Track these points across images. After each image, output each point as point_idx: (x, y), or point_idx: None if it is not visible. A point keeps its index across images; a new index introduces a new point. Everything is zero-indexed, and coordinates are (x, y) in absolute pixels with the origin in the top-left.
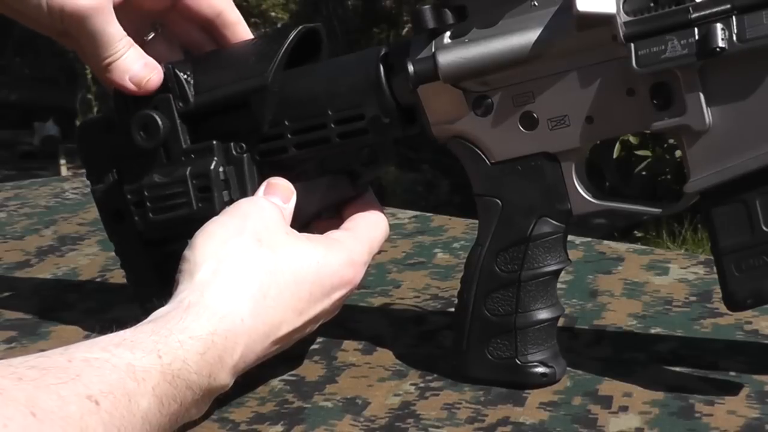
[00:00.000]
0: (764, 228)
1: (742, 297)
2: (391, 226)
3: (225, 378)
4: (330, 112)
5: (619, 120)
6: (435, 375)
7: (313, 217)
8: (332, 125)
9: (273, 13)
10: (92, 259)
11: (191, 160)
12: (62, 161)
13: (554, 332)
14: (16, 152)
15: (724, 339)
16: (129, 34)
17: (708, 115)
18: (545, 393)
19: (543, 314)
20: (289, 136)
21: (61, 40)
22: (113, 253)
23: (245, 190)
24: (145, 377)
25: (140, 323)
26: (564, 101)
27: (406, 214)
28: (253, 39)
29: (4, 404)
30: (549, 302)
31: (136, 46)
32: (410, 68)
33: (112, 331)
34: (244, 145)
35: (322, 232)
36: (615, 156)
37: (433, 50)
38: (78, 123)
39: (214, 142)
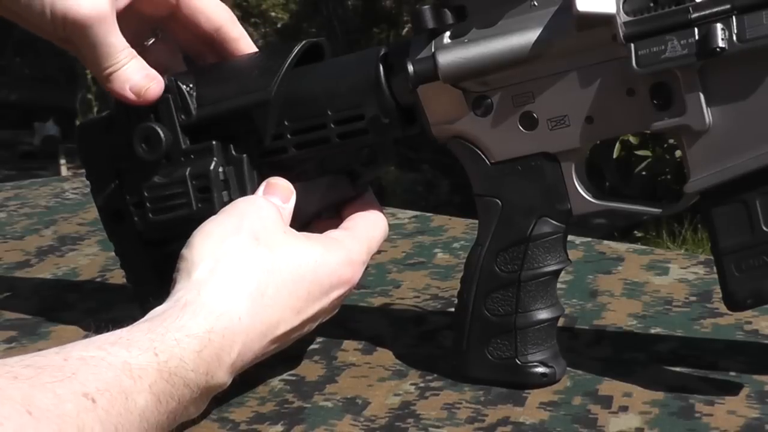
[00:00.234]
0: (764, 228)
1: (742, 297)
2: (391, 226)
3: (223, 376)
4: (330, 113)
5: (619, 120)
6: (435, 375)
7: (313, 217)
8: (332, 125)
9: (273, 13)
10: (92, 259)
11: (191, 160)
12: (62, 161)
13: (554, 332)
14: (16, 152)
15: (724, 339)
16: (128, 39)
17: (708, 115)
18: (545, 393)
19: (543, 314)
20: (288, 136)
21: (63, 46)
22: (113, 253)
23: (245, 190)
24: (142, 375)
25: (137, 322)
26: (564, 101)
27: (406, 214)
28: (256, 52)
29: (0, 403)
30: (549, 302)
31: (138, 57)
32: (410, 68)
33: (108, 330)
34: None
35: (321, 232)
36: (615, 156)
37: (432, 50)
38: (78, 123)
39: (214, 142)
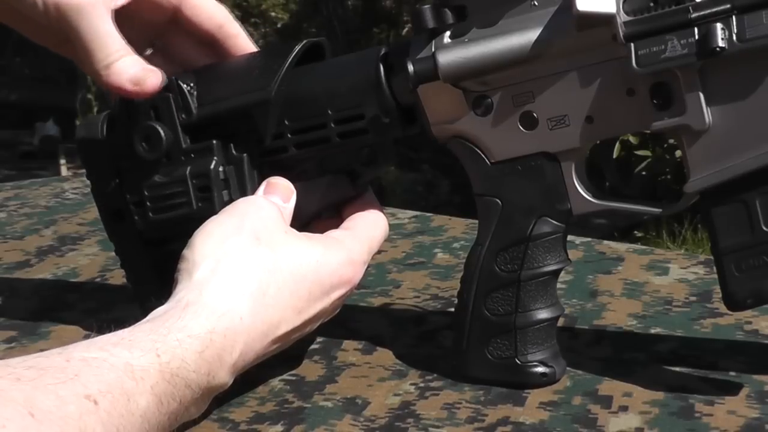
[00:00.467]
0: (764, 228)
1: (742, 297)
2: (391, 226)
3: (224, 376)
4: (330, 112)
5: (619, 120)
6: (435, 375)
7: (313, 217)
8: (332, 125)
9: (273, 13)
10: (92, 259)
11: (191, 159)
12: (62, 161)
13: (554, 332)
14: (16, 152)
15: (724, 339)
16: None
17: (708, 114)
18: (545, 393)
19: (543, 314)
20: (289, 135)
21: (59, 50)
22: (113, 253)
23: (245, 189)
24: (144, 376)
25: (138, 323)
26: (564, 101)
27: (406, 214)
28: (257, 52)
29: (2, 405)
30: (549, 302)
31: (136, 55)
32: (410, 68)
33: (110, 331)
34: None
35: (322, 232)
36: (615, 156)
37: (433, 50)
38: (78, 123)
39: (214, 141)
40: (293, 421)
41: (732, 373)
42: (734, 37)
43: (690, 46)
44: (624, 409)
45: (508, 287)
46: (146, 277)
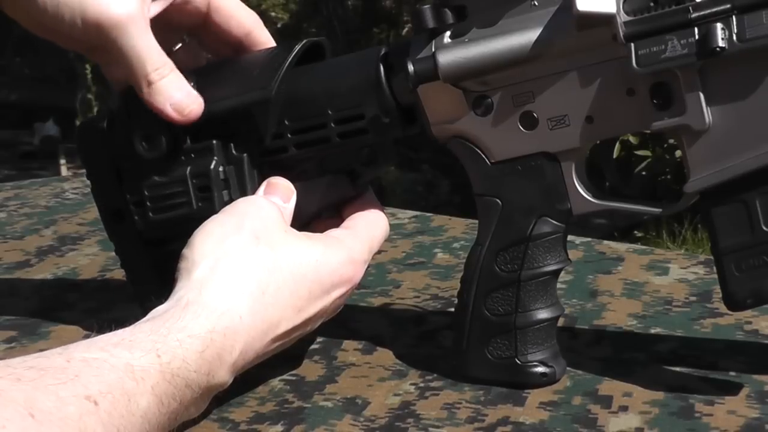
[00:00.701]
0: (764, 228)
1: (742, 297)
2: (391, 226)
3: (224, 376)
4: (330, 112)
5: (619, 120)
6: (435, 375)
7: (313, 217)
8: (332, 125)
9: (273, 13)
10: (92, 259)
11: (191, 159)
12: (62, 161)
13: (554, 332)
14: (16, 152)
15: (724, 339)
16: None
17: (708, 114)
18: (545, 393)
19: (543, 314)
20: (289, 135)
21: (91, 55)
22: (113, 253)
23: (245, 189)
24: (144, 376)
25: (138, 322)
26: (564, 101)
27: (406, 214)
28: (257, 51)
29: (2, 405)
30: (549, 302)
31: (177, 70)
32: (410, 68)
33: (110, 331)
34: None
35: (322, 232)
36: (615, 156)
37: (433, 50)
38: (78, 123)
39: (214, 141)
40: (293, 421)
41: (732, 373)
42: (734, 37)
43: (690, 46)
44: (624, 409)
45: (508, 287)
46: (146, 277)
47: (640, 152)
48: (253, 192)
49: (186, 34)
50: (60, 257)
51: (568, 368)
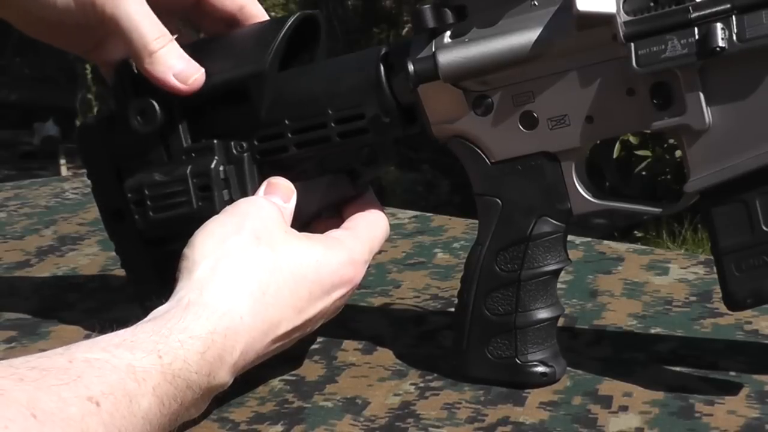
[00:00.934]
0: (764, 228)
1: (742, 297)
2: (391, 226)
3: (225, 376)
4: (330, 112)
5: (619, 120)
6: (435, 375)
7: (314, 217)
8: (332, 124)
9: (273, 13)
10: (92, 259)
11: (192, 159)
12: (62, 161)
13: (554, 332)
14: (16, 152)
15: (724, 339)
16: None
17: (708, 114)
18: (545, 393)
19: (543, 314)
20: (289, 135)
21: (89, 56)
22: (113, 253)
23: (245, 189)
24: (146, 377)
25: (140, 322)
26: (564, 101)
27: (406, 214)
28: (251, 26)
29: (5, 405)
30: (549, 302)
31: (175, 41)
32: (410, 68)
33: (112, 331)
34: (244, 144)
35: (322, 232)
36: (615, 156)
37: (433, 50)
38: (78, 123)
39: (215, 141)
40: (293, 421)
41: (732, 373)
42: (734, 37)
43: (690, 46)
44: (624, 409)
45: (508, 287)
46: (146, 276)
47: (640, 152)
48: (254, 191)
49: (181, 23)
50: (60, 257)
51: (568, 368)
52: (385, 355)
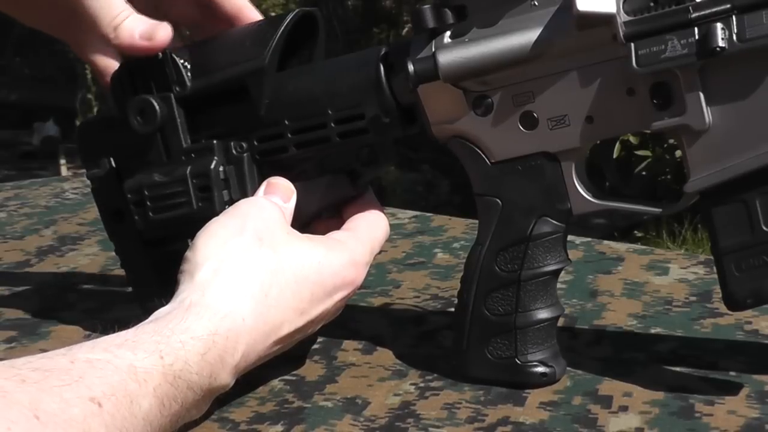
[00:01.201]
0: (764, 228)
1: (742, 297)
2: (391, 226)
3: (226, 378)
4: (330, 112)
5: (619, 120)
6: (435, 375)
7: (314, 217)
8: (332, 125)
9: (273, 13)
10: (92, 259)
11: (191, 159)
12: (62, 161)
13: (554, 332)
14: (16, 152)
15: (724, 339)
16: None
17: (708, 114)
18: (545, 393)
19: (543, 314)
20: (289, 135)
21: (54, 31)
22: (113, 253)
23: (245, 189)
24: (147, 378)
25: (142, 323)
26: (564, 101)
27: (406, 214)
28: (249, 24)
29: (7, 407)
30: (549, 302)
31: (137, 12)
32: (410, 68)
33: (114, 331)
34: (244, 145)
35: (322, 232)
36: (615, 156)
37: (433, 50)
38: (78, 123)
39: (215, 141)
40: (293, 421)
41: (732, 373)
42: (734, 37)
43: (690, 46)
44: (624, 409)
45: (508, 287)
46: (146, 277)
47: (640, 152)
48: (254, 192)
49: (154, 7)
50: (60, 257)
51: (568, 368)
52: (385, 355)
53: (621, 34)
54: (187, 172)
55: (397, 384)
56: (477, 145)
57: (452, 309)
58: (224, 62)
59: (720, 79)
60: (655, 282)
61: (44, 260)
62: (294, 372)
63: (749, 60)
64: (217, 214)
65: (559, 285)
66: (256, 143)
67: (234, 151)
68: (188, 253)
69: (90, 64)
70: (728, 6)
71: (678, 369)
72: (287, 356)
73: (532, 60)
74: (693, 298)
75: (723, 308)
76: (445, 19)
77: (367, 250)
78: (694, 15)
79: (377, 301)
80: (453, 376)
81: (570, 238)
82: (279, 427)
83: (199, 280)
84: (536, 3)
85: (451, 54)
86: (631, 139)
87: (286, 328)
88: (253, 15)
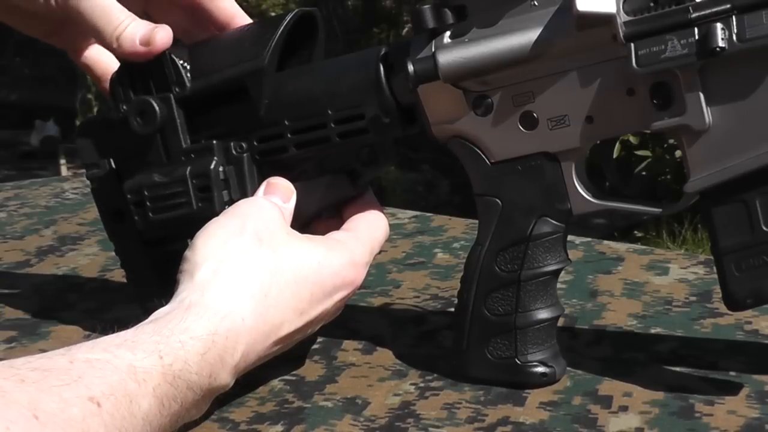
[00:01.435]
0: (764, 228)
1: (742, 297)
2: (391, 226)
3: (226, 378)
4: (330, 112)
5: (619, 120)
6: (435, 375)
7: (313, 217)
8: (332, 125)
9: (273, 13)
10: (92, 259)
11: (191, 159)
12: (62, 161)
13: (554, 332)
14: (16, 152)
15: (724, 339)
16: None
17: (708, 114)
18: (545, 393)
19: (543, 314)
20: (289, 135)
21: (50, 40)
22: (113, 253)
23: (245, 189)
24: (146, 378)
25: (141, 323)
26: (564, 101)
27: (406, 214)
28: (249, 24)
29: (6, 407)
30: (549, 302)
31: (140, 19)
32: (410, 68)
33: (113, 331)
34: (244, 145)
35: (322, 232)
36: (615, 156)
37: (433, 50)
38: (78, 123)
39: (215, 142)
40: (293, 421)
41: (732, 373)
42: (734, 37)
43: (690, 46)
44: (624, 409)
45: (508, 287)
46: (146, 277)
47: (640, 152)
48: (254, 192)
49: (144, 11)
50: (60, 257)
51: (568, 368)
52: (385, 355)
53: (621, 34)
54: (187, 172)
55: (397, 384)
56: (477, 145)
57: (452, 309)
58: (224, 63)
59: (720, 79)
60: (655, 282)
61: (44, 260)
62: (294, 372)
63: (749, 60)
64: (216, 215)
65: (559, 285)
66: (255, 143)
67: (234, 152)
68: (188, 253)
69: (86, 70)
70: (728, 6)
71: (678, 369)
72: (287, 356)
73: (532, 60)
74: (693, 298)
75: (723, 308)
76: (445, 19)
77: (366, 250)
78: (694, 15)
79: (377, 301)
80: (453, 376)
81: (570, 238)
82: (279, 427)
83: (198, 280)
84: (536, 3)
85: (451, 54)
86: (631, 139)
87: (286, 328)
88: (246, 23)
